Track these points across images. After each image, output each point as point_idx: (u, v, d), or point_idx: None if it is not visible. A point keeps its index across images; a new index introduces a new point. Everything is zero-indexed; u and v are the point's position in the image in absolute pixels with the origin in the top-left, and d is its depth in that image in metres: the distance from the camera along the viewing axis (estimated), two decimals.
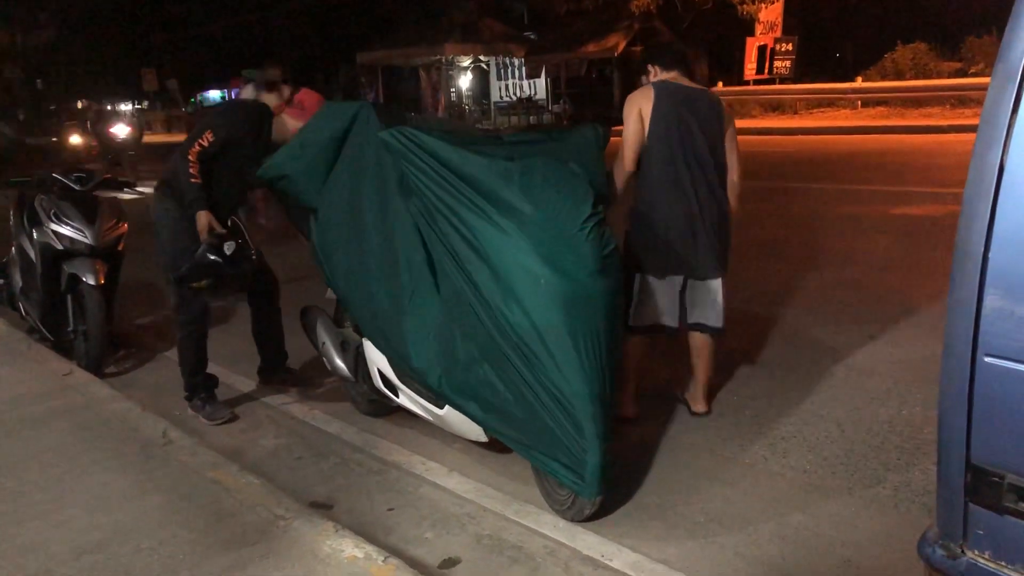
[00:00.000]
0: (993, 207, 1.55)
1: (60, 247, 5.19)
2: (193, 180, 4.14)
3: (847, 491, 3.37)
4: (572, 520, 3.22)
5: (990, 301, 1.56)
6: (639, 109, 3.83)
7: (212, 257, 4.07)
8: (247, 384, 4.96)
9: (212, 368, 4.59)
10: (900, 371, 4.52)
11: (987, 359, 1.57)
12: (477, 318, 3.18)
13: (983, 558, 1.66)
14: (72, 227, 5.19)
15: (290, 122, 4.45)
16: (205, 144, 4.17)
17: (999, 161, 1.54)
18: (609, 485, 3.13)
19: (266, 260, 4.70)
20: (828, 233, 8.14)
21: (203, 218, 4.15)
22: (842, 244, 7.60)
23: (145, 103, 47.28)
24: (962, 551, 1.69)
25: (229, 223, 4.44)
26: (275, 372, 4.89)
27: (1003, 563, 1.63)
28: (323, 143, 3.91)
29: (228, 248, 4.11)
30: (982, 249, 1.57)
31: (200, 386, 4.50)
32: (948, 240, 1.69)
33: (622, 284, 3.31)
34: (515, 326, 3.06)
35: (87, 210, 5.28)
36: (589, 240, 3.14)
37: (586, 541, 3.10)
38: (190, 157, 4.14)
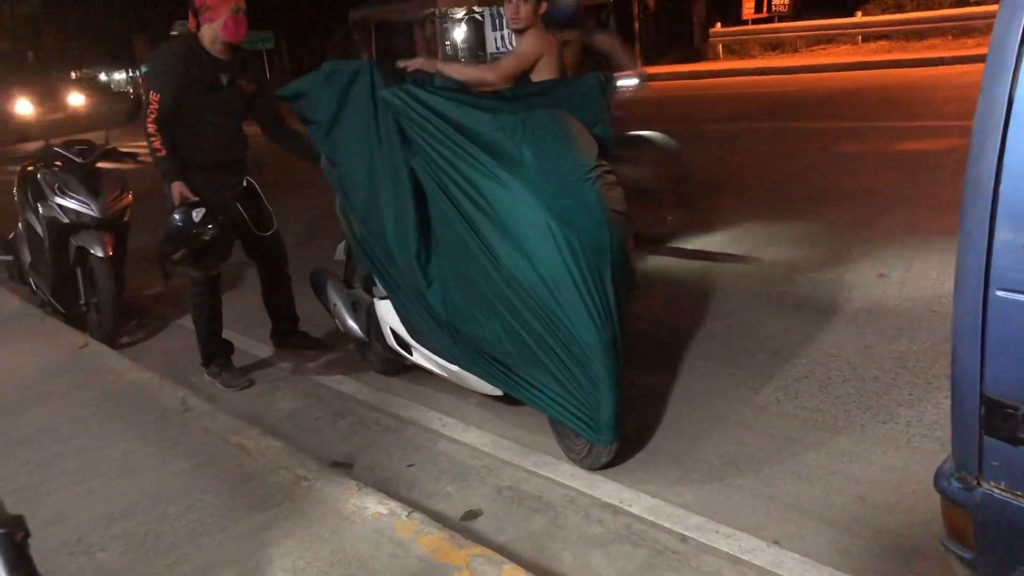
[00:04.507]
0: (1003, 140, 1.54)
1: (66, 220, 5.20)
2: (159, 154, 4.11)
3: (860, 428, 3.40)
4: (589, 469, 3.26)
5: (1001, 235, 1.56)
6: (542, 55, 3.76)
7: (180, 227, 4.04)
8: (262, 348, 5.00)
9: (226, 333, 4.62)
10: (910, 307, 4.53)
11: (999, 293, 1.58)
12: (487, 274, 3.19)
13: (999, 489, 1.68)
14: (77, 200, 5.19)
15: None
16: (155, 108, 4.07)
17: (1008, 93, 1.53)
18: (624, 433, 3.17)
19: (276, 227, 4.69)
20: (833, 172, 8.10)
21: (175, 189, 4.13)
22: (847, 182, 7.56)
23: (138, 71, 46.74)
24: (978, 483, 1.72)
25: (245, 183, 4.41)
26: (288, 336, 4.92)
27: (1019, 493, 1.65)
28: (337, 88, 3.85)
29: (196, 215, 4.03)
30: (992, 183, 1.56)
31: (216, 353, 4.53)
32: (955, 174, 1.69)
33: (630, 232, 3.32)
34: (524, 280, 3.07)
35: (91, 182, 5.28)
36: (594, 190, 3.14)
37: (604, 489, 3.15)
38: (149, 130, 4.08)
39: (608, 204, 3.17)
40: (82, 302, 5.43)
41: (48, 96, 26.34)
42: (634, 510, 3.00)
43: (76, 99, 26.96)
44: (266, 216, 4.53)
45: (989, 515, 1.71)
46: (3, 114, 24.34)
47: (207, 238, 4.04)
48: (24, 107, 25.12)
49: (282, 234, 4.72)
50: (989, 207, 1.57)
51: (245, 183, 4.43)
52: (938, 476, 1.82)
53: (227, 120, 4.31)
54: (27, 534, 1.37)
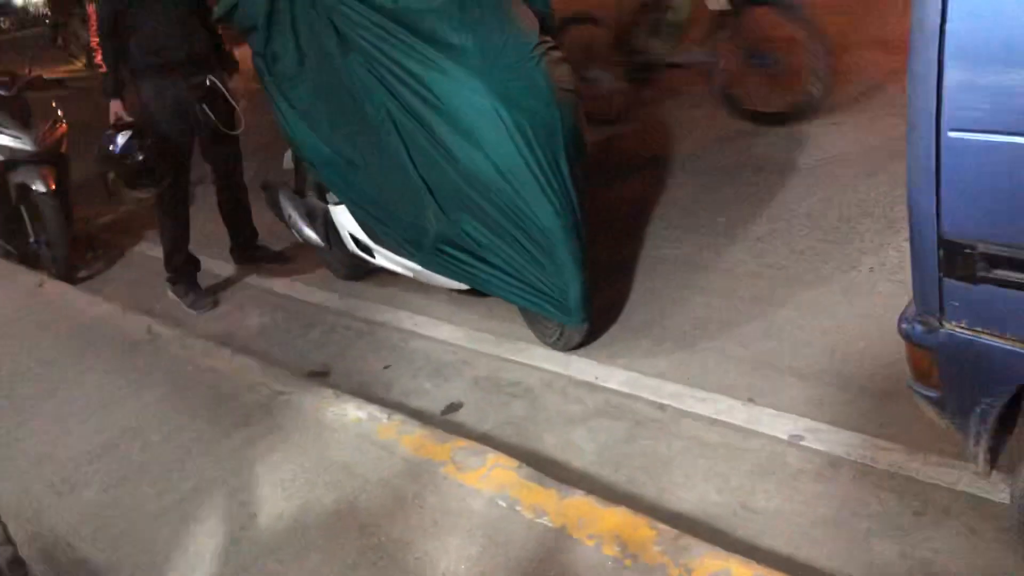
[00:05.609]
0: None
1: (1, 158, 5.01)
2: (100, 69, 4.04)
3: (825, 280, 3.44)
4: (563, 350, 3.29)
5: (951, 74, 1.52)
6: None
7: (107, 151, 3.98)
8: (223, 267, 4.92)
9: None
10: (868, 153, 4.52)
11: (951, 134, 1.56)
12: (442, 169, 3.12)
13: (960, 327, 1.70)
14: (8, 135, 4.98)
15: None
16: (95, 20, 3.99)
17: None
18: (594, 311, 3.18)
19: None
20: None
21: (112, 107, 4.09)
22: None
23: None
24: (940, 324, 1.74)
25: (208, 82, 4.25)
26: (248, 250, 4.84)
27: (979, 329, 1.68)
28: None
29: (122, 138, 3.97)
30: (939, 20, 1.52)
31: (182, 268, 4.47)
32: (902, 9, 1.65)
33: (581, 110, 3.24)
34: (479, 171, 3.01)
35: (20, 115, 5.07)
36: (540, 69, 3.04)
37: (579, 367, 3.19)
38: (93, 45, 4.01)
39: (556, 83, 3.08)
40: (32, 240, 5.29)
41: None
42: (611, 385, 3.04)
43: None
44: (232, 116, 4.39)
45: (952, 354, 1.74)
46: None
47: (131, 163, 3.96)
48: None
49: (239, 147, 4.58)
50: (936, 46, 1.53)
51: (208, 82, 4.27)
52: (902, 320, 1.85)
53: (177, 19, 4.14)
54: None
